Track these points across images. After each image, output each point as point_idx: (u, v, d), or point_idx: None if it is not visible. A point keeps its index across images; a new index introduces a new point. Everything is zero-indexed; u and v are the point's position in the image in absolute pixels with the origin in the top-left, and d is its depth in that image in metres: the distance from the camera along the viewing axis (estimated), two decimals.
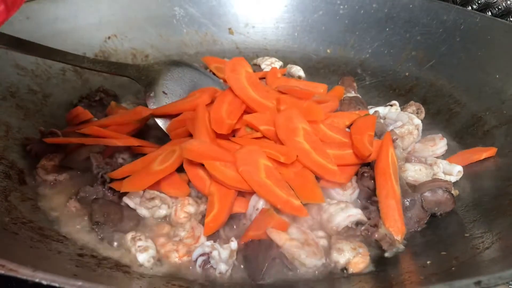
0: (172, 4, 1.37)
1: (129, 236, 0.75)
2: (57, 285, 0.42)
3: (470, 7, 1.42)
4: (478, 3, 1.42)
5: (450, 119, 1.10)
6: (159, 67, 1.06)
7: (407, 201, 0.81)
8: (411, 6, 1.29)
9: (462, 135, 1.04)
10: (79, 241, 0.75)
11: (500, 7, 1.39)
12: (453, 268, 0.65)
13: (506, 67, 1.06)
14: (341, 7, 1.37)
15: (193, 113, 0.93)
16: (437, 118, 1.12)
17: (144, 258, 0.70)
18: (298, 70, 1.29)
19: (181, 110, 0.96)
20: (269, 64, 1.31)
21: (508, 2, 1.38)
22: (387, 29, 1.32)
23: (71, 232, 0.77)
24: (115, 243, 0.75)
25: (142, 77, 1.03)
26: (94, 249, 0.74)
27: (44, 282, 0.42)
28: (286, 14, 1.41)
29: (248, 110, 0.96)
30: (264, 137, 0.91)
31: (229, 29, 1.40)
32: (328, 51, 1.37)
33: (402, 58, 1.28)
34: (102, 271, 0.67)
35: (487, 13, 1.40)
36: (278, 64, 1.32)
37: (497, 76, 1.07)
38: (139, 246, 0.72)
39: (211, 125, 0.88)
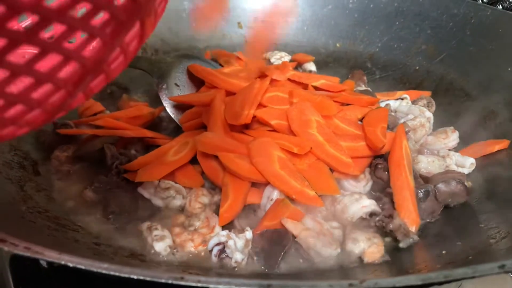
0: None
1: (145, 225, 0.75)
2: (82, 267, 0.42)
3: (480, 1, 1.41)
4: None
5: (461, 112, 1.09)
6: (171, 59, 1.07)
7: (421, 192, 0.81)
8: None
9: (474, 128, 1.04)
10: (95, 230, 0.75)
11: (511, 0, 1.38)
12: (470, 257, 0.64)
13: None
14: (351, 1, 1.36)
15: (208, 106, 0.93)
16: (448, 111, 1.12)
17: (161, 247, 0.71)
18: (310, 65, 1.29)
19: (198, 103, 0.96)
20: (278, 58, 1.31)
21: None
22: (397, 23, 1.31)
23: (86, 222, 0.77)
24: (131, 233, 0.76)
25: (154, 69, 1.04)
26: (109, 238, 0.74)
27: (70, 265, 0.42)
28: (295, 8, 1.40)
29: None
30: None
31: (238, 23, 1.40)
32: (338, 45, 1.37)
33: (412, 52, 1.28)
34: (119, 259, 0.67)
35: (498, 6, 1.40)
36: (287, 58, 1.32)
37: (509, 69, 1.06)
38: (155, 236, 0.72)
39: (226, 118, 0.89)
